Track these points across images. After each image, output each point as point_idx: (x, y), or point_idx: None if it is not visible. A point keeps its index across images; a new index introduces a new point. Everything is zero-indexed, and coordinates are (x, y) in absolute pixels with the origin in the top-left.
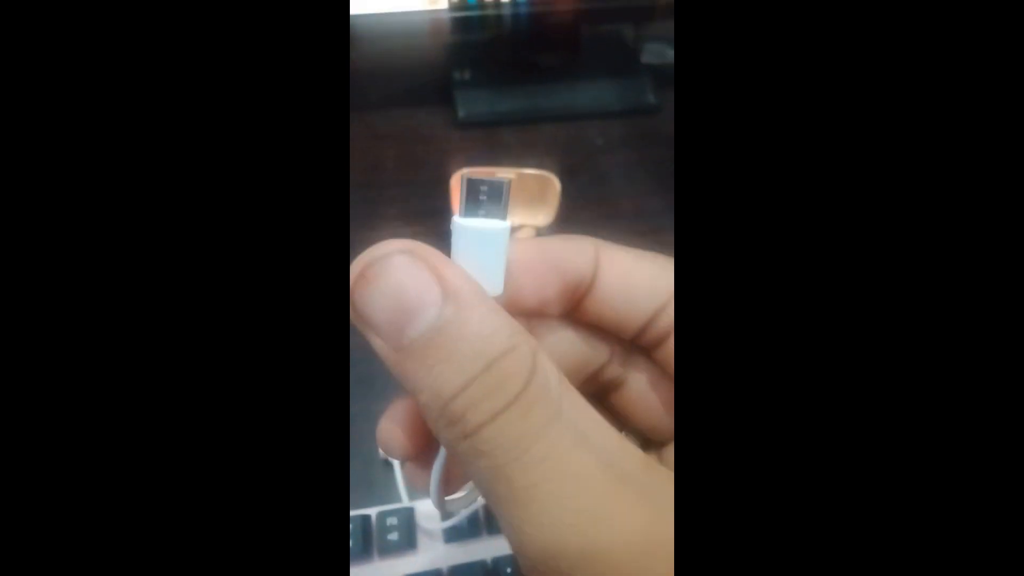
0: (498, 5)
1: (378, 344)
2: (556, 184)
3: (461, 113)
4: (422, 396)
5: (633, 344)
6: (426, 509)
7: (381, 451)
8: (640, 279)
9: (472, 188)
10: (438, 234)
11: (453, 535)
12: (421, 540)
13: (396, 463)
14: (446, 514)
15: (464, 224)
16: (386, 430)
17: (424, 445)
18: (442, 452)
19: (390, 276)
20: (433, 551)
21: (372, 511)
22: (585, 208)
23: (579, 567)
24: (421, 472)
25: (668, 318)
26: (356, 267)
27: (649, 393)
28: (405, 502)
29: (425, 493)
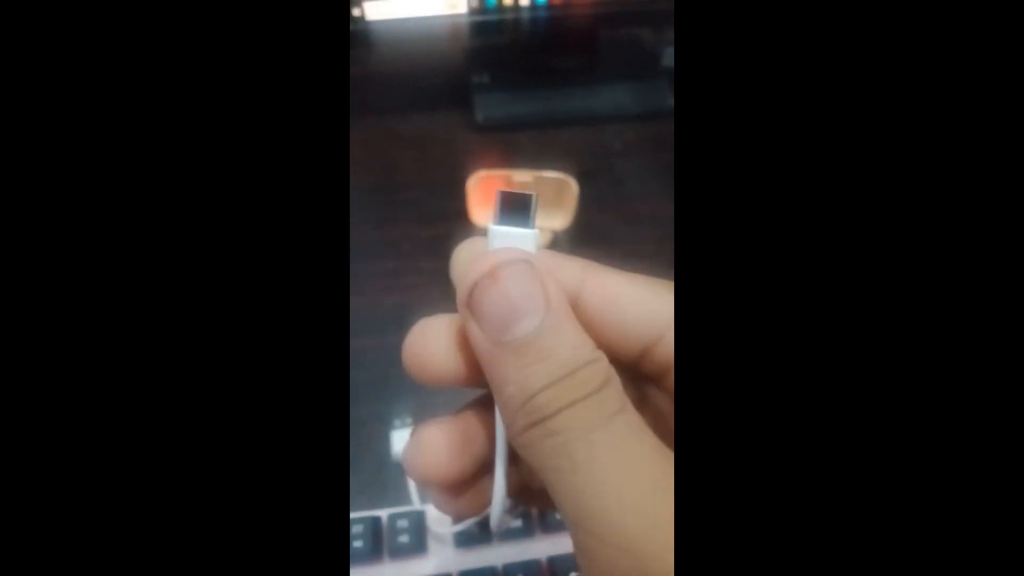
0: (517, 9)
1: (477, 335)
2: (574, 187)
3: (480, 116)
4: (509, 388)
5: (639, 372)
6: (437, 512)
7: (399, 462)
8: (631, 306)
9: (504, 200)
10: (455, 235)
11: (463, 540)
12: (431, 543)
13: None
14: (498, 531)
15: (498, 230)
16: (426, 455)
17: (463, 470)
18: (499, 474)
19: (511, 280)
20: (443, 555)
21: (383, 513)
22: (602, 212)
23: (630, 527)
24: (453, 498)
25: (668, 348)
26: (483, 266)
27: (662, 421)
28: (416, 505)
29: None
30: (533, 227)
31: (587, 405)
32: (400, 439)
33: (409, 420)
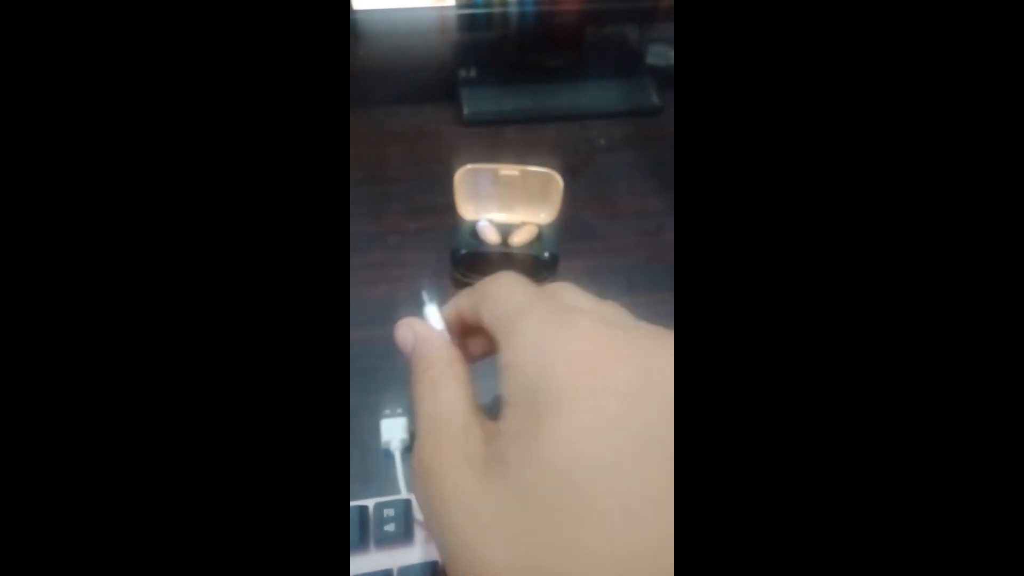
0: (504, 3)
1: (405, 354)
2: (559, 182)
3: (466, 111)
4: (413, 371)
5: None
6: None
7: (387, 449)
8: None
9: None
10: (442, 228)
11: None
12: (418, 532)
13: (397, 454)
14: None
15: (427, 310)
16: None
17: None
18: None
19: (400, 330)
20: (430, 543)
21: (369, 502)
22: (587, 207)
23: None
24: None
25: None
26: (399, 324)
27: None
28: (403, 494)
29: None
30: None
31: (424, 373)
32: (389, 428)
33: (399, 410)
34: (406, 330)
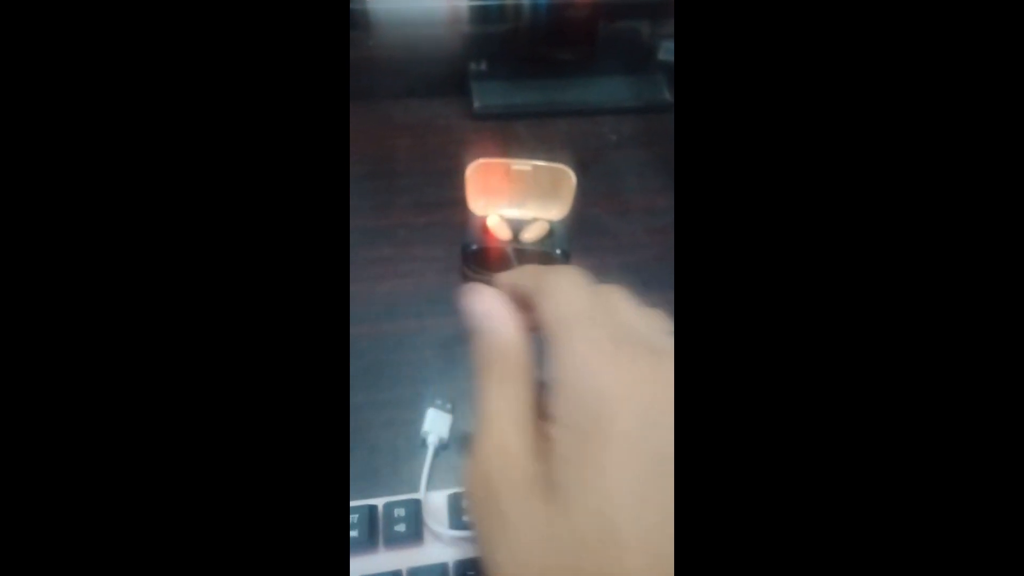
0: None
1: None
2: (572, 178)
3: (477, 104)
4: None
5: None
6: (434, 501)
7: (424, 439)
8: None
9: None
10: (451, 223)
11: (460, 528)
12: (427, 533)
13: (430, 449)
14: None
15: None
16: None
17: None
18: None
19: (470, 298)
20: (439, 544)
21: (379, 501)
22: (596, 203)
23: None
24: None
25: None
26: (469, 289)
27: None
28: (421, 491)
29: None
30: None
31: (495, 366)
32: (433, 420)
33: (448, 406)
34: (477, 303)
